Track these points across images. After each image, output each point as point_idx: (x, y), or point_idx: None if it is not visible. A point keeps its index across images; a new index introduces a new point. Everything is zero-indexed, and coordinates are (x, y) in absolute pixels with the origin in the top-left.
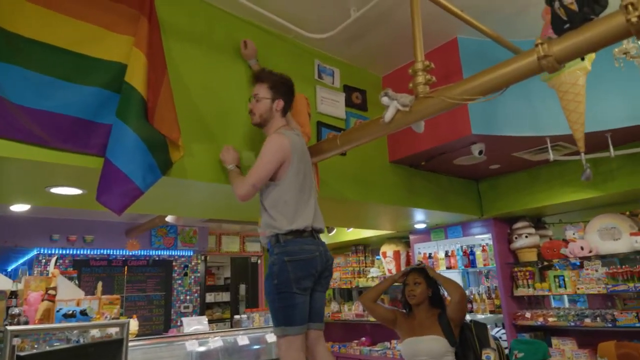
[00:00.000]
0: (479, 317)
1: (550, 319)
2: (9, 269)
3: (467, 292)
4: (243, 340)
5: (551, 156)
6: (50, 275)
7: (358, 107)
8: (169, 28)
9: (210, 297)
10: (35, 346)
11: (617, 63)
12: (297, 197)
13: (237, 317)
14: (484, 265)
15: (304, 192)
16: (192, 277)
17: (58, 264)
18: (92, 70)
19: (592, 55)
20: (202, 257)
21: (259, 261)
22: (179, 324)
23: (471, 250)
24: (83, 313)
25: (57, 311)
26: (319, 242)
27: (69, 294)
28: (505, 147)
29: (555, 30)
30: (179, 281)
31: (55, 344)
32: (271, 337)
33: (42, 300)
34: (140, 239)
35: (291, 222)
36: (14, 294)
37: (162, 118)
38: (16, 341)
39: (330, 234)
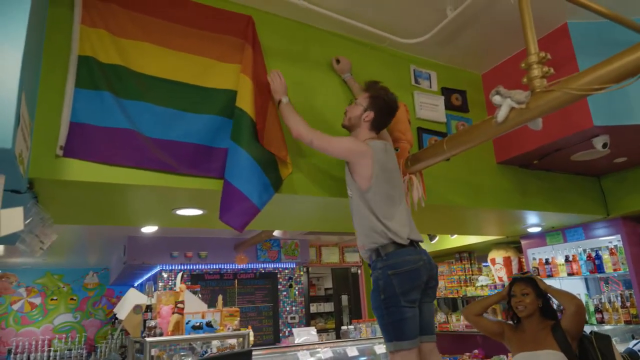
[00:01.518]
0: (607, 328)
1: None
2: (135, 284)
3: (595, 301)
4: (352, 351)
5: None
6: (178, 290)
7: (459, 109)
8: (270, 51)
9: (313, 308)
10: (164, 356)
11: None
12: (387, 209)
13: (344, 328)
14: (614, 270)
15: (395, 203)
16: (297, 288)
17: (183, 280)
18: (208, 100)
19: None
20: (305, 269)
21: (359, 271)
22: (287, 334)
23: (597, 254)
24: (209, 325)
25: (186, 323)
26: (421, 251)
27: (194, 307)
28: (634, 137)
29: None
30: (285, 292)
31: (181, 353)
32: (380, 349)
33: (173, 313)
34: (247, 253)
35: (388, 235)
36: (149, 308)
37: (271, 138)
38: (154, 351)
39: (432, 242)
